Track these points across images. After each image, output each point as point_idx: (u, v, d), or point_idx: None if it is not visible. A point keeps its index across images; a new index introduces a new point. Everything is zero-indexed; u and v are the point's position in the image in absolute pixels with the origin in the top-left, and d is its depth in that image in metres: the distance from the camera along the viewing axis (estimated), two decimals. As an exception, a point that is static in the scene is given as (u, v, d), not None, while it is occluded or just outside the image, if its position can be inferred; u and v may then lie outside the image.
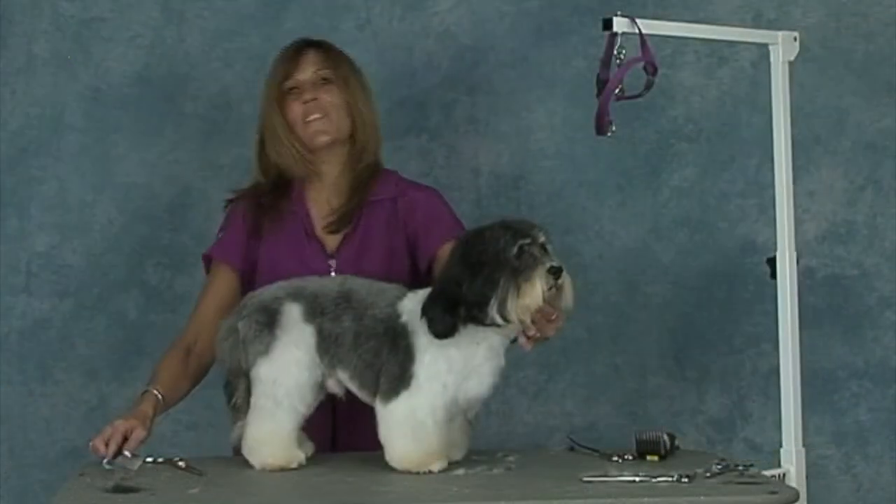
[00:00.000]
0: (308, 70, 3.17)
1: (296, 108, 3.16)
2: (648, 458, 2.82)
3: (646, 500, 2.46)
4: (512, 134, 3.87)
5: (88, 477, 2.70)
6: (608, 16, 3.02)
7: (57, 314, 3.82)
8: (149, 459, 2.83)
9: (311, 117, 3.15)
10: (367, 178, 3.18)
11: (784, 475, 3.12)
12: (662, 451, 2.83)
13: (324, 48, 3.22)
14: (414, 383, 2.71)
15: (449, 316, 2.68)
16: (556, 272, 2.66)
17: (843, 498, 3.89)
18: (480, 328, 2.69)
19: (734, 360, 3.89)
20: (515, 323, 2.67)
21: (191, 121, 3.84)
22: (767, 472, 2.92)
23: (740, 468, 2.68)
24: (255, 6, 3.85)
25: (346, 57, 3.23)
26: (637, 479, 2.59)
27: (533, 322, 2.69)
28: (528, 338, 2.74)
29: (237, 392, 2.84)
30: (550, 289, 2.66)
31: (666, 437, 2.84)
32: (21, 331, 3.82)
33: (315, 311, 2.81)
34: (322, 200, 3.19)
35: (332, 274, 3.08)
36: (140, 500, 2.52)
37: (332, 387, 2.84)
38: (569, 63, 3.86)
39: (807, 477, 3.20)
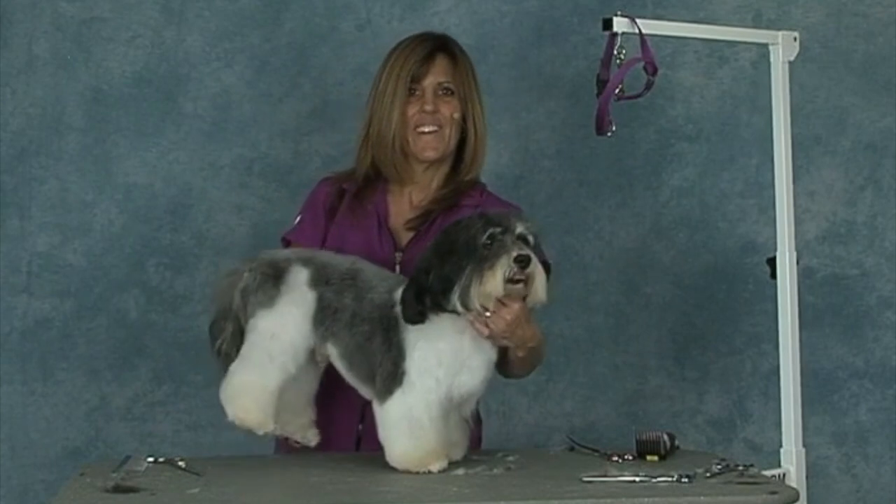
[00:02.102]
0: (435, 77, 3.09)
1: (412, 113, 3.09)
2: (648, 458, 2.82)
3: (646, 500, 2.46)
4: (512, 134, 3.87)
5: (89, 477, 2.70)
6: (608, 16, 3.02)
7: (58, 314, 3.82)
8: (149, 459, 2.83)
9: (426, 129, 3.08)
10: (462, 190, 3.13)
11: (784, 475, 3.12)
12: (662, 451, 2.82)
13: (453, 55, 3.11)
14: (406, 381, 2.71)
15: (416, 302, 2.68)
16: (522, 261, 2.62)
17: (843, 498, 3.89)
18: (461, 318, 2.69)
19: (734, 360, 3.89)
20: (477, 310, 2.65)
21: (191, 121, 3.84)
22: (767, 472, 2.92)
23: (740, 468, 2.68)
24: (255, 6, 3.85)
25: (471, 66, 3.14)
26: (637, 479, 2.59)
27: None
28: (484, 324, 2.71)
29: (223, 334, 2.82)
30: (515, 278, 2.63)
31: (666, 437, 2.84)
32: (22, 331, 3.82)
33: (321, 279, 2.80)
34: (404, 197, 3.15)
35: (398, 268, 3.03)
36: (140, 500, 2.51)
37: (319, 360, 2.84)
38: (569, 63, 3.86)
39: (807, 477, 3.20)
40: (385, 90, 3.08)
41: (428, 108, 3.07)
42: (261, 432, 2.77)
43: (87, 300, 3.82)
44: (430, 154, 3.10)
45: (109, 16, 3.84)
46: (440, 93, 3.09)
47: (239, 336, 2.81)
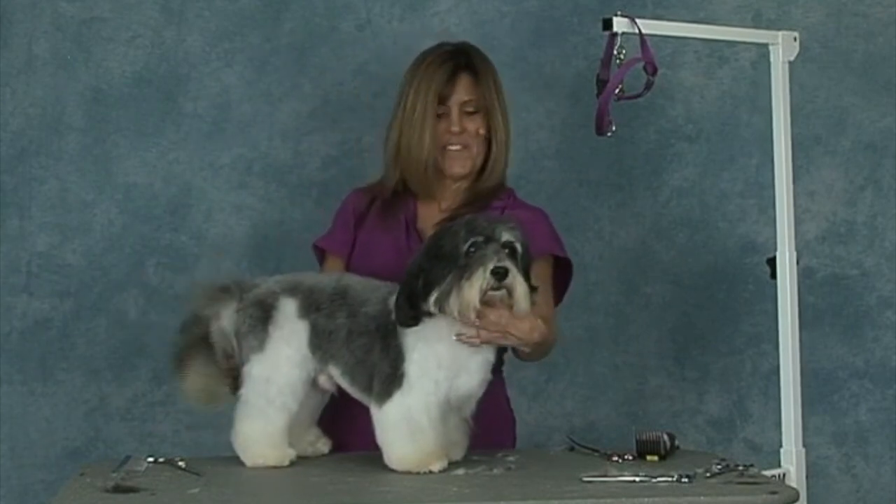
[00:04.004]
0: (459, 97, 3.13)
1: (439, 132, 3.13)
2: (648, 458, 2.82)
3: (646, 500, 2.46)
4: (512, 134, 3.86)
5: (88, 477, 2.70)
6: (608, 16, 3.03)
7: (57, 314, 3.82)
8: (149, 459, 2.83)
9: (453, 147, 3.13)
10: (488, 194, 3.17)
11: (784, 475, 3.12)
12: (662, 451, 2.82)
13: (476, 72, 3.15)
14: (406, 383, 2.71)
15: (408, 306, 2.69)
16: (498, 273, 2.64)
17: (843, 498, 3.89)
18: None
19: (734, 360, 3.89)
20: (455, 316, 2.66)
21: (191, 121, 3.84)
22: (767, 472, 2.92)
23: (740, 468, 2.68)
24: (255, 6, 3.85)
25: (494, 76, 3.17)
26: (637, 479, 2.59)
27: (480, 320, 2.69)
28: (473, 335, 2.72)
29: (187, 342, 2.84)
30: (496, 289, 2.64)
31: (666, 437, 2.84)
32: (22, 331, 3.82)
33: (310, 306, 2.81)
34: (433, 203, 3.19)
35: None
36: (140, 500, 2.52)
37: (324, 383, 2.85)
38: (569, 63, 3.86)
39: (807, 477, 3.20)
40: (414, 111, 3.12)
41: (454, 128, 3.13)
42: (286, 463, 2.80)
43: (87, 300, 3.82)
44: (459, 170, 3.15)
45: (109, 16, 3.84)
46: (466, 111, 3.13)
47: (201, 344, 2.84)
